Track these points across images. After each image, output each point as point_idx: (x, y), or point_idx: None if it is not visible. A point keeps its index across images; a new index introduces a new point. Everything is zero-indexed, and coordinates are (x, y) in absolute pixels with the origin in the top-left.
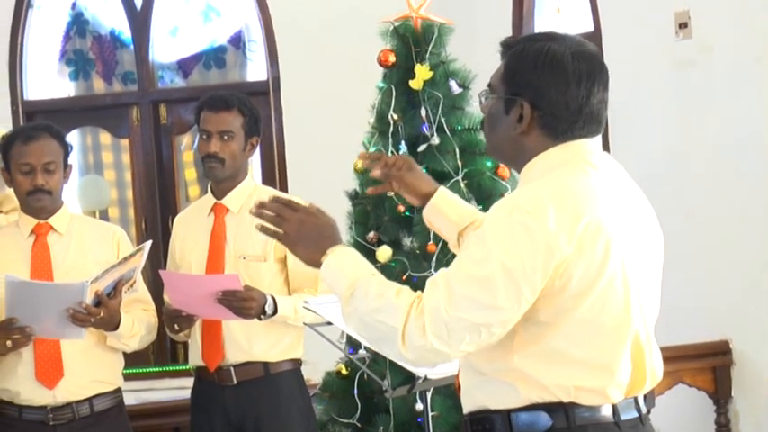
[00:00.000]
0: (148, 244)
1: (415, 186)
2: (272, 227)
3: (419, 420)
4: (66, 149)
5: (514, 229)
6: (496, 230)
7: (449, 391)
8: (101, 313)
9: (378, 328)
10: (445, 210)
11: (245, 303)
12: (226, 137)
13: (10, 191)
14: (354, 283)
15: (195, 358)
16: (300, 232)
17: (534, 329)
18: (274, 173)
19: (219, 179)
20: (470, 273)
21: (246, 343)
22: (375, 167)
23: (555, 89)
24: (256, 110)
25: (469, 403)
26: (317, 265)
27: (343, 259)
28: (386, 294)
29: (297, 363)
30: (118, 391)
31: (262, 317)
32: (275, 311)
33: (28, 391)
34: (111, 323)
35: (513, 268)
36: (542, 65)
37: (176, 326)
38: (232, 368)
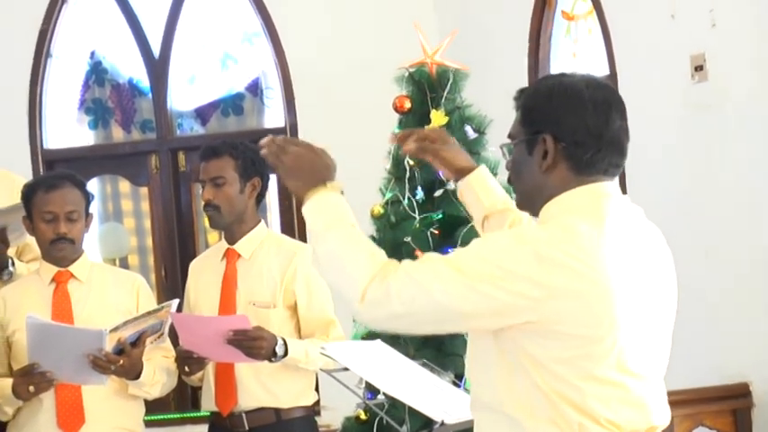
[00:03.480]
0: (175, 302)
1: (451, 160)
2: (273, 157)
3: None
4: (88, 198)
5: (520, 254)
6: (503, 248)
7: None
8: (121, 361)
9: (340, 276)
10: (479, 190)
11: (256, 343)
12: (218, 183)
13: (30, 240)
14: (331, 227)
15: (208, 403)
16: (296, 164)
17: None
18: (293, 217)
19: (220, 225)
20: (461, 267)
21: (258, 389)
22: (408, 141)
23: (574, 116)
24: (252, 152)
25: None
26: (302, 196)
27: (328, 201)
28: (359, 245)
29: (309, 409)
30: None
31: (273, 359)
32: (285, 353)
33: None
34: (133, 372)
35: (502, 285)
36: (558, 96)
37: (187, 368)
38: (244, 414)
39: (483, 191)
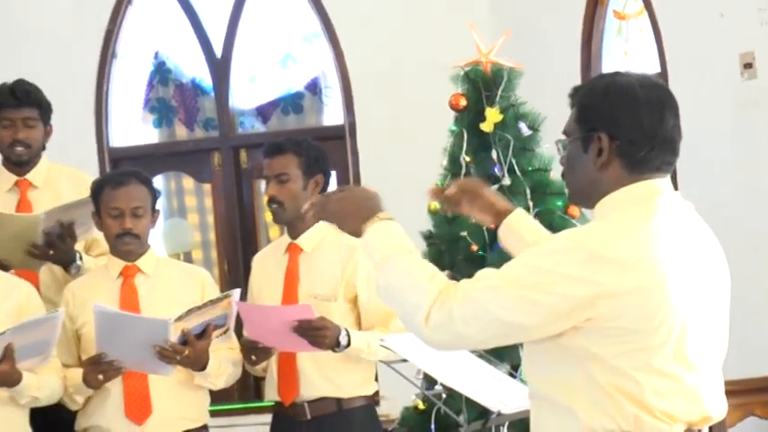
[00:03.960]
0: (237, 292)
1: (489, 205)
2: (318, 212)
3: None
4: (154, 195)
5: (572, 257)
6: (554, 255)
7: (522, 424)
8: (186, 352)
9: (405, 304)
10: (521, 229)
11: (320, 332)
12: (282, 179)
13: (98, 235)
14: (390, 256)
15: (271, 393)
16: (342, 208)
17: (594, 359)
18: None
19: (283, 221)
20: (517, 279)
21: (320, 379)
22: (449, 192)
23: (629, 115)
24: (315, 149)
25: None
26: (360, 234)
27: (382, 232)
28: (419, 273)
29: (369, 399)
30: (204, 427)
31: (336, 349)
32: (348, 344)
33: (118, 427)
34: (199, 363)
35: (558, 291)
36: (613, 95)
37: (253, 357)
38: (306, 404)
39: (525, 228)
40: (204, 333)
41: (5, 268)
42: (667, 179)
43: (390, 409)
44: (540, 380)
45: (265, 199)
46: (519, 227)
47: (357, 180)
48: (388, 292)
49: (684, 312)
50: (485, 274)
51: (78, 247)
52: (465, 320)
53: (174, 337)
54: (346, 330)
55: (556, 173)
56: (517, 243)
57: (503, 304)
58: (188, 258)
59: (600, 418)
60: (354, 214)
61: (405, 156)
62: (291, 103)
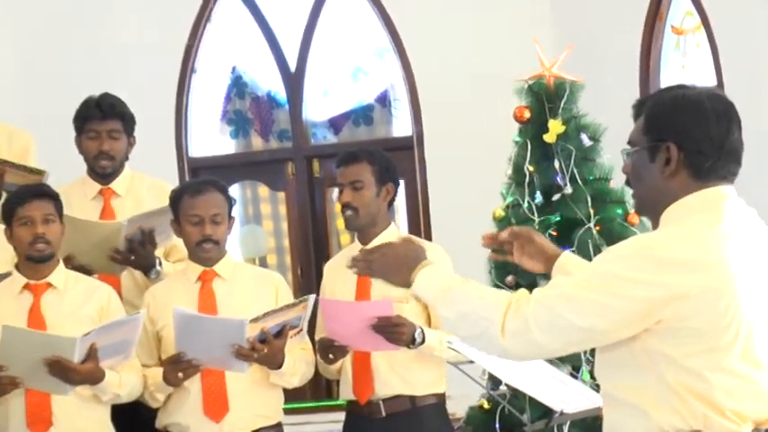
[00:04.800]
0: (312, 297)
1: (540, 251)
2: (363, 270)
3: None
4: (230, 202)
5: (640, 261)
6: (622, 260)
7: (584, 423)
8: (264, 350)
9: (478, 323)
10: (571, 269)
11: (397, 329)
12: (357, 186)
13: (177, 241)
14: (449, 290)
15: (346, 392)
16: (386, 263)
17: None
18: (419, 221)
19: (356, 227)
20: (587, 284)
21: (394, 378)
22: (502, 236)
23: (698, 127)
24: (386, 159)
25: None
26: (409, 284)
27: (432, 272)
28: (483, 293)
29: (440, 397)
30: (279, 425)
31: (411, 345)
32: (423, 341)
33: (197, 424)
34: (275, 362)
35: (627, 294)
36: (682, 106)
37: (330, 355)
38: (381, 401)
39: (575, 267)
40: (281, 333)
41: (89, 273)
42: (732, 186)
43: (456, 408)
44: (612, 381)
45: (338, 206)
46: (569, 267)
47: (425, 189)
48: (458, 319)
49: (752, 313)
50: (557, 282)
51: (158, 253)
52: (540, 328)
53: (250, 336)
54: (421, 328)
55: (616, 182)
56: None
57: (576, 310)
58: (263, 263)
59: (670, 418)
60: (400, 267)
61: (470, 166)
62: (362, 115)
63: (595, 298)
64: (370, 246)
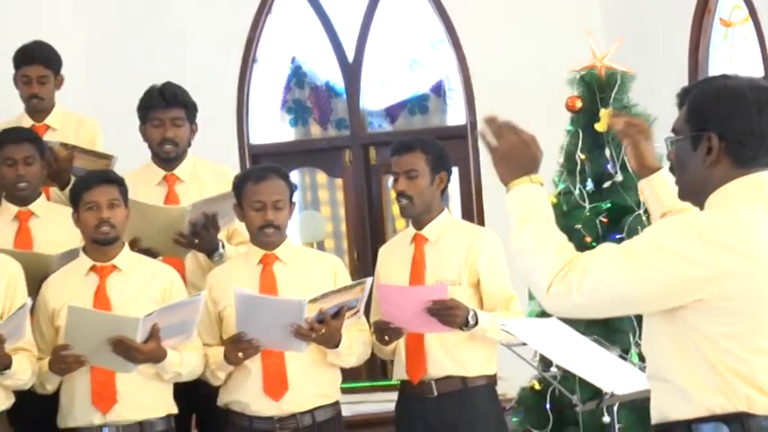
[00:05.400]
0: (369, 280)
1: (643, 155)
2: (488, 138)
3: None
4: (291, 189)
5: (686, 238)
6: (670, 234)
7: (634, 404)
8: (323, 330)
9: (531, 270)
10: (660, 190)
11: (452, 312)
12: (411, 175)
13: (239, 225)
14: (527, 221)
15: (400, 372)
16: (507, 152)
17: (706, 340)
18: (472, 208)
19: (411, 214)
20: (633, 254)
21: (446, 358)
22: (620, 121)
23: (739, 117)
24: (440, 148)
25: (655, 414)
26: (506, 184)
27: (528, 194)
28: (550, 243)
29: (491, 378)
30: (336, 403)
31: (464, 328)
32: (476, 323)
33: (257, 403)
34: (332, 341)
35: (670, 268)
36: (724, 97)
37: (386, 337)
38: (433, 381)
39: (664, 191)
40: (338, 314)
41: (154, 255)
42: None
43: (507, 389)
44: (658, 362)
45: (393, 194)
46: (659, 188)
47: (478, 177)
48: (520, 253)
49: None
50: (604, 248)
51: (220, 236)
52: (581, 292)
53: (308, 316)
54: (473, 311)
55: (665, 169)
56: (654, 201)
57: (618, 277)
58: (321, 247)
59: (715, 398)
60: (513, 165)
61: None
62: (417, 105)
63: (639, 268)
64: (424, 230)
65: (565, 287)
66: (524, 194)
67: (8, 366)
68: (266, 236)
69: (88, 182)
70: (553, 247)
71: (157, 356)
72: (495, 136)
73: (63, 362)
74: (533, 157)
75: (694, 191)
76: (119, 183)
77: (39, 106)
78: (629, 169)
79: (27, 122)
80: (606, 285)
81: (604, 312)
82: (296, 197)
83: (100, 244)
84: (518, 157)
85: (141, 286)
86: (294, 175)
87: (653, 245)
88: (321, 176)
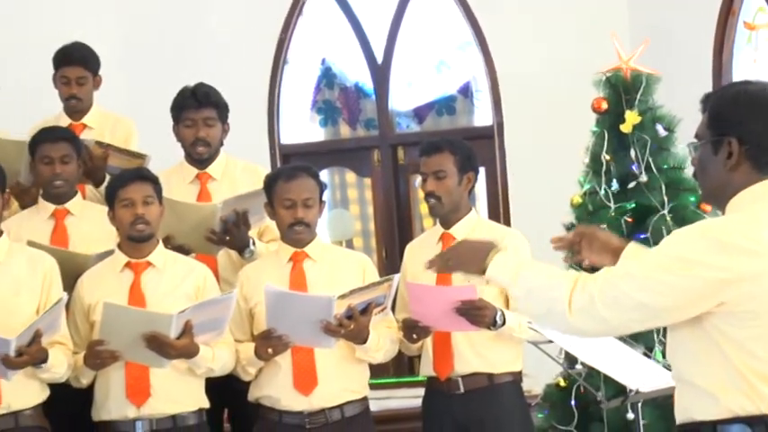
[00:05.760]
0: (396, 277)
1: (605, 244)
2: (443, 268)
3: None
4: (321, 187)
5: (702, 244)
6: (686, 242)
7: (657, 401)
8: (351, 326)
9: (546, 300)
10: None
11: (480, 312)
12: (439, 176)
13: (269, 223)
14: (517, 273)
15: (427, 369)
16: (460, 257)
17: (732, 343)
18: (498, 207)
19: (440, 214)
20: (651, 264)
21: (472, 356)
22: (565, 239)
23: (758, 122)
24: (468, 149)
25: (680, 414)
26: (484, 271)
27: (504, 257)
28: (552, 273)
29: (517, 375)
30: (365, 399)
31: (492, 327)
32: (504, 323)
33: (287, 397)
34: (360, 337)
35: (689, 274)
36: (744, 102)
37: (414, 335)
38: (460, 378)
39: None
40: (366, 310)
41: (186, 252)
42: None
43: (532, 386)
44: (683, 364)
45: (422, 194)
46: (635, 256)
47: (504, 177)
48: (528, 296)
49: None
50: (624, 262)
51: (252, 233)
52: (606, 304)
53: (337, 312)
54: (501, 311)
55: (690, 171)
56: None
57: (641, 288)
58: (349, 245)
59: (739, 400)
60: (474, 257)
61: (548, 154)
62: (445, 105)
63: (659, 277)
64: (451, 229)
65: (587, 299)
66: (499, 261)
67: (45, 360)
68: (296, 233)
69: (123, 179)
70: (556, 273)
71: (190, 352)
72: (444, 263)
73: (98, 357)
74: (481, 243)
75: (715, 195)
76: (153, 180)
77: (77, 106)
78: (654, 170)
79: (65, 121)
80: (628, 296)
81: (634, 326)
82: (325, 196)
83: (135, 241)
84: (468, 251)
85: (175, 283)
86: (324, 175)
87: (672, 254)
88: (350, 176)
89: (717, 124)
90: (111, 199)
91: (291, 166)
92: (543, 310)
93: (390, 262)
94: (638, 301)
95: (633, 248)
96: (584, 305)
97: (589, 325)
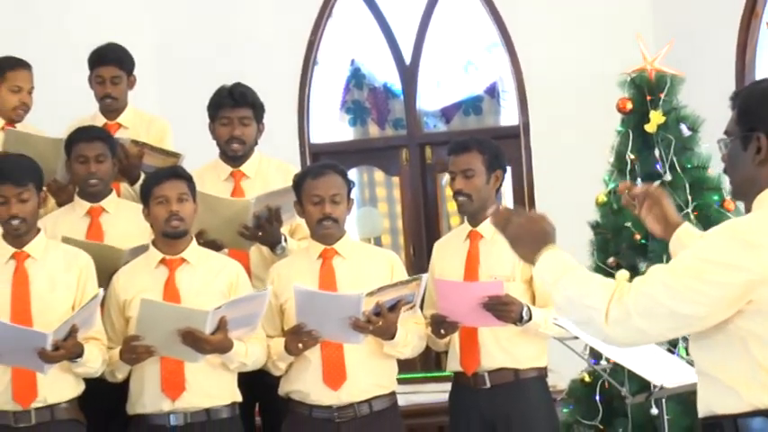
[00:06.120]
0: (425, 277)
1: (663, 215)
2: (500, 226)
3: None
4: (349, 185)
5: (730, 246)
6: (714, 245)
7: (680, 397)
8: (379, 322)
9: (583, 309)
10: (687, 241)
11: (507, 308)
12: (468, 174)
13: (301, 221)
14: (560, 276)
15: (454, 364)
16: (519, 234)
17: (757, 340)
18: (524, 206)
19: (468, 212)
20: (682, 271)
21: (499, 351)
22: (637, 189)
23: None
24: (496, 148)
25: (702, 408)
26: (531, 261)
27: (552, 258)
28: (591, 282)
29: (542, 370)
30: (393, 393)
31: (518, 323)
32: (530, 318)
33: (317, 392)
34: (388, 333)
35: (719, 280)
36: None
37: (442, 330)
38: (486, 373)
39: (690, 241)
40: (394, 307)
41: (219, 248)
42: None
43: (557, 381)
44: (705, 359)
45: (450, 192)
46: (685, 240)
47: (530, 176)
48: (566, 304)
49: None
50: (655, 270)
51: (284, 230)
52: (641, 315)
53: (366, 309)
54: (528, 307)
55: (713, 170)
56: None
57: (675, 297)
58: (378, 243)
59: (760, 395)
60: (529, 243)
61: (573, 153)
62: (472, 105)
63: (691, 284)
64: (479, 227)
65: (623, 311)
66: (548, 259)
67: (80, 354)
68: (324, 228)
69: (158, 177)
70: (596, 282)
71: (224, 347)
72: (504, 225)
73: (134, 352)
74: (544, 231)
75: (743, 190)
76: (187, 178)
77: (112, 106)
78: (678, 170)
79: (100, 121)
80: (663, 305)
81: (669, 334)
82: (354, 194)
83: (169, 237)
84: (529, 233)
85: (209, 279)
86: (352, 174)
87: (700, 259)
88: (378, 174)
89: (745, 120)
90: (146, 196)
91: (319, 163)
92: (581, 319)
93: (418, 259)
94: (673, 310)
95: (686, 231)
96: (621, 317)
97: (626, 336)
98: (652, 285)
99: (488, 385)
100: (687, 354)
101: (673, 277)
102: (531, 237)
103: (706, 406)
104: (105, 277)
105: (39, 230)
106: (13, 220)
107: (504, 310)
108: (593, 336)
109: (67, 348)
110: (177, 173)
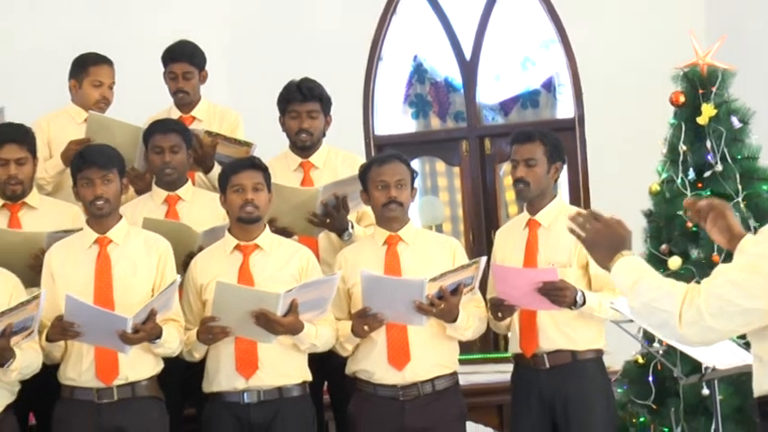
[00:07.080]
0: (483, 259)
1: (728, 227)
2: (577, 231)
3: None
4: (412, 174)
5: None
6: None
7: (731, 378)
8: (442, 305)
9: (658, 313)
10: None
11: (561, 292)
12: (530, 163)
13: (367, 208)
14: (637, 281)
15: (514, 346)
16: (596, 240)
17: None
18: (579, 195)
19: (527, 199)
20: (747, 268)
21: (557, 334)
22: (702, 202)
23: None
24: (557, 140)
25: (757, 389)
26: (607, 267)
27: (628, 263)
28: (664, 286)
29: (599, 352)
30: (454, 374)
31: (572, 307)
32: (584, 303)
33: (382, 372)
34: (451, 316)
35: None
36: None
37: (500, 313)
38: (545, 355)
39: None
40: (456, 290)
41: (289, 235)
42: None
43: (611, 362)
44: (761, 343)
45: (511, 179)
46: (750, 251)
47: (585, 168)
48: (642, 308)
49: None
50: (721, 269)
51: (350, 217)
52: (712, 314)
53: (429, 293)
54: (582, 291)
55: (763, 160)
56: None
57: (743, 294)
58: (439, 230)
59: None
60: (605, 249)
61: (627, 145)
62: (529, 99)
63: (758, 279)
64: (537, 215)
65: (695, 312)
66: (624, 266)
67: (159, 336)
68: (390, 211)
69: (236, 167)
70: (669, 287)
71: (295, 329)
72: (581, 228)
73: (210, 332)
74: (620, 237)
75: None
76: (263, 169)
77: (185, 100)
78: (729, 160)
79: (175, 114)
80: (733, 304)
81: (741, 330)
82: (416, 184)
83: (244, 222)
84: (606, 239)
85: (281, 264)
86: (415, 164)
87: (761, 254)
88: (440, 165)
89: None
90: (223, 184)
91: (383, 153)
92: (656, 322)
93: (477, 246)
94: (744, 307)
95: (749, 241)
96: (694, 318)
97: (701, 336)
98: (720, 286)
99: (547, 366)
100: (738, 337)
101: (740, 274)
102: (607, 242)
103: (760, 386)
104: (182, 256)
105: (120, 217)
106: (98, 200)
107: (558, 294)
108: (669, 338)
109: (147, 331)
110: (254, 163)
